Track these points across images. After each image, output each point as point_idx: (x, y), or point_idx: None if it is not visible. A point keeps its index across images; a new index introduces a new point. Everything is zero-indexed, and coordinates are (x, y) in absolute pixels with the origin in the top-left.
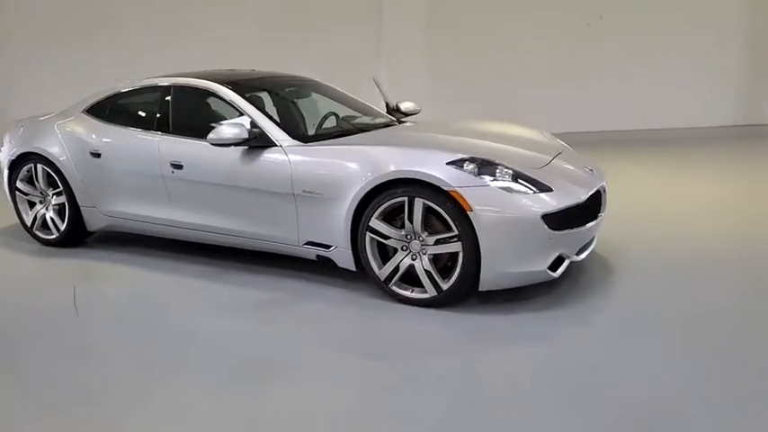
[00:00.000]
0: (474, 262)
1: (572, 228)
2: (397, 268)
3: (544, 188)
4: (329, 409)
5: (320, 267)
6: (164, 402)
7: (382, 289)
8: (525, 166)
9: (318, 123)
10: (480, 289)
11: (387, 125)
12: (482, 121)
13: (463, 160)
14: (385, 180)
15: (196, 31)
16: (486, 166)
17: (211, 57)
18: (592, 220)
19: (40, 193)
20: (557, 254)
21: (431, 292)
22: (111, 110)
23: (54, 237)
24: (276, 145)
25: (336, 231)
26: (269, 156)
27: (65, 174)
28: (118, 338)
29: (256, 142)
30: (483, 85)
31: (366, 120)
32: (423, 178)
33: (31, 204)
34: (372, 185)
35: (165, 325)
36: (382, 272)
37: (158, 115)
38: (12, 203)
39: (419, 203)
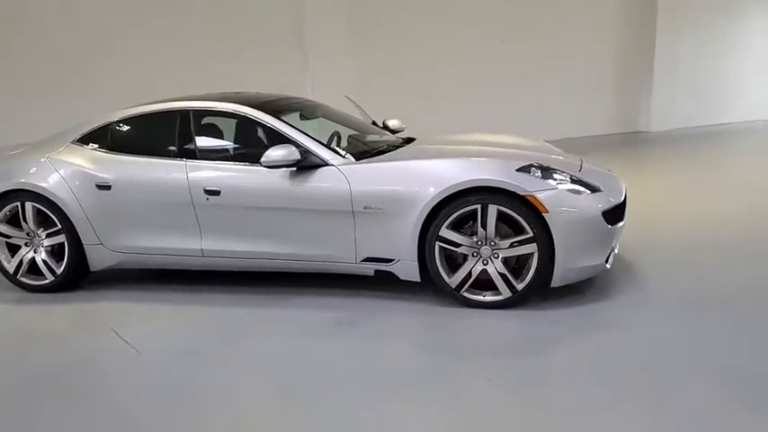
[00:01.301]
0: (547, 261)
1: (618, 223)
2: (469, 274)
3: (595, 189)
4: (468, 413)
5: (367, 282)
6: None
7: (452, 296)
8: (570, 170)
9: (329, 142)
10: (552, 285)
11: (406, 142)
12: (485, 134)
13: (530, 166)
14: (458, 190)
15: (121, 58)
16: (546, 171)
17: (144, 83)
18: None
19: (27, 234)
20: (611, 247)
21: (505, 293)
22: (115, 139)
23: (48, 281)
24: (327, 164)
25: (400, 244)
26: (323, 175)
27: (65, 210)
28: (204, 373)
29: (307, 162)
30: (407, 100)
31: (376, 138)
32: (500, 185)
33: (12, 248)
34: (444, 196)
35: (245, 355)
36: (453, 280)
37: (180, 141)
38: None
39: (493, 210)
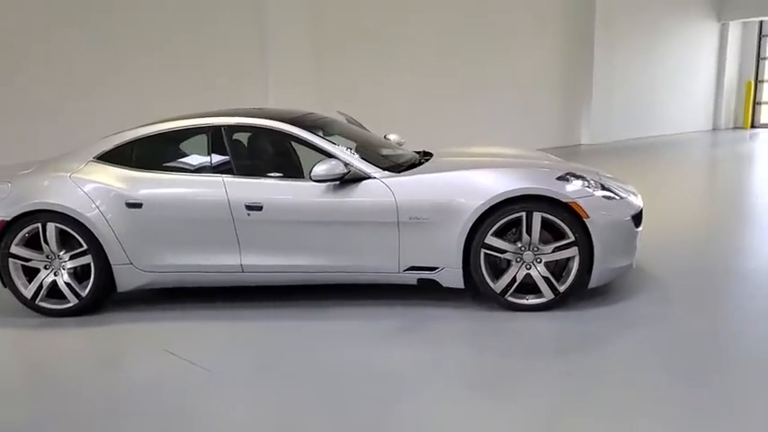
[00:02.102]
0: (586, 263)
1: (640, 226)
2: (514, 279)
3: (620, 195)
4: (561, 403)
5: (399, 291)
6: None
7: (496, 301)
8: (596, 178)
9: None
10: (589, 287)
11: (423, 155)
12: (494, 147)
13: (567, 175)
14: (504, 198)
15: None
16: (582, 179)
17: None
18: None
19: (47, 257)
20: (636, 248)
21: (548, 295)
22: (141, 156)
23: (71, 305)
24: (370, 177)
25: (446, 252)
26: (366, 188)
27: (92, 230)
28: (288, 385)
29: (351, 176)
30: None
31: (392, 152)
32: (544, 193)
33: (29, 271)
34: (491, 204)
35: (317, 366)
36: (498, 285)
37: (214, 157)
38: None
39: (538, 217)
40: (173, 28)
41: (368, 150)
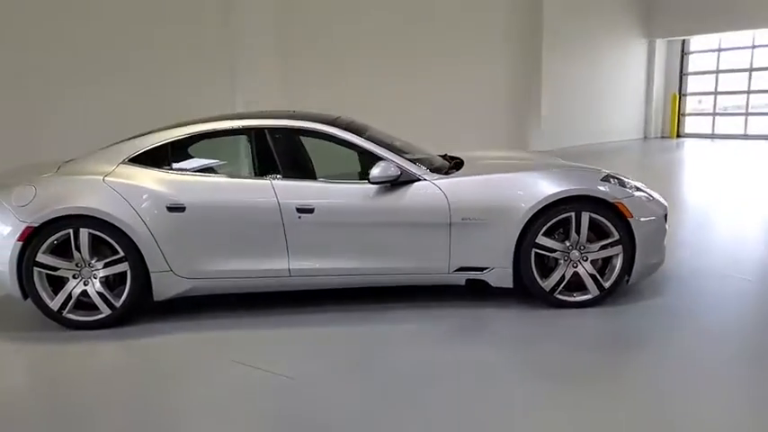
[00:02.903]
0: (629, 261)
1: (667, 224)
2: (563, 277)
3: (652, 195)
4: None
5: (440, 292)
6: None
7: (545, 299)
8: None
9: None
10: (630, 282)
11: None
12: (514, 150)
13: (609, 177)
14: (555, 199)
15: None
16: (620, 181)
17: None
18: None
19: (76, 265)
20: (665, 246)
21: (594, 292)
22: (180, 158)
23: (103, 316)
24: (420, 179)
25: (497, 253)
26: (418, 190)
27: (131, 236)
28: (379, 386)
29: (404, 178)
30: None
31: (424, 155)
32: (593, 194)
33: (54, 281)
34: (543, 205)
35: (401, 368)
36: (547, 283)
37: (259, 160)
38: (20, 285)
39: (586, 216)
40: (132, 28)
41: (406, 153)
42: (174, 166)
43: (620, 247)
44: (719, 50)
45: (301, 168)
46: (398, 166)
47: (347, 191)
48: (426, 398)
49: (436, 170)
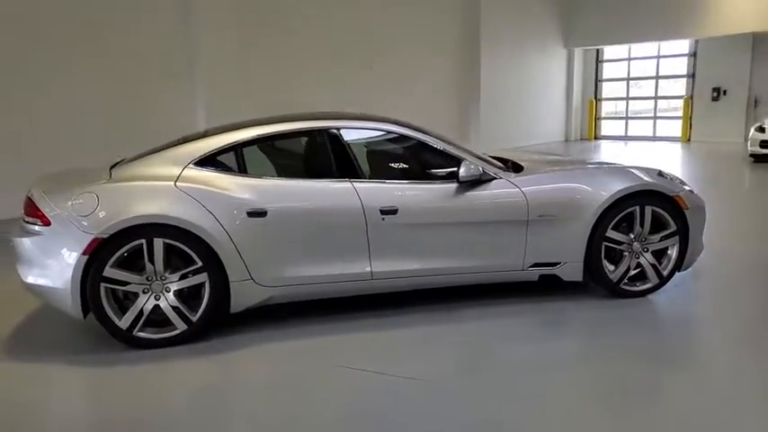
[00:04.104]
0: (682, 250)
1: None
2: (628, 268)
3: (692, 189)
4: None
5: (502, 289)
6: None
7: (612, 290)
8: None
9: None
10: (682, 270)
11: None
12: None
13: (660, 172)
14: (625, 194)
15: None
16: (669, 175)
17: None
18: None
19: (147, 279)
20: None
21: (654, 281)
22: (252, 160)
23: (178, 332)
24: (497, 177)
25: (569, 247)
26: (497, 188)
27: (212, 244)
28: (509, 381)
29: (485, 177)
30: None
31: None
32: (656, 189)
33: (118, 298)
34: (614, 199)
35: (519, 362)
36: (615, 275)
37: (337, 161)
38: (81, 303)
39: (649, 210)
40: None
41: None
42: (248, 169)
43: (677, 237)
44: (629, 59)
45: (380, 169)
46: (478, 166)
47: (429, 191)
48: (545, 391)
49: (506, 169)
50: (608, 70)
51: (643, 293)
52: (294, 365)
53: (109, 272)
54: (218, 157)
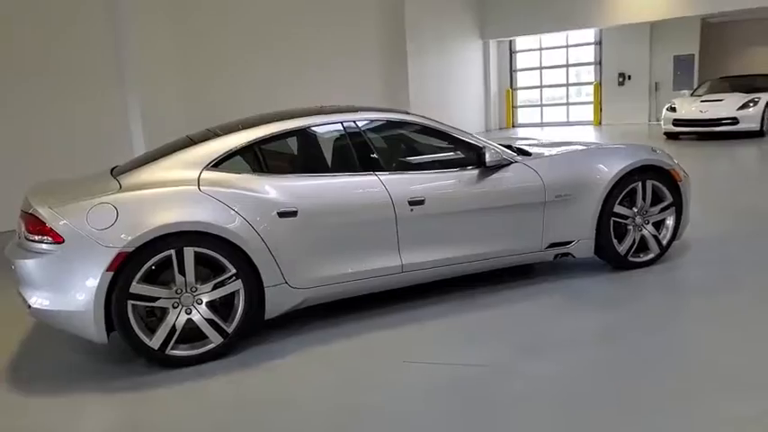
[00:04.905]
0: (678, 220)
1: None
2: (633, 241)
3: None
4: None
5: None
6: None
7: (619, 263)
8: None
9: None
10: (676, 240)
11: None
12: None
13: (653, 148)
14: (632, 169)
15: None
16: (659, 150)
17: None
18: None
19: (176, 292)
20: None
21: (655, 251)
22: (272, 158)
23: (213, 346)
24: (513, 161)
25: (582, 225)
26: (514, 172)
27: (246, 249)
28: (567, 363)
29: (504, 161)
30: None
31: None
32: (656, 164)
33: (140, 316)
34: (621, 175)
35: (567, 337)
36: (622, 248)
37: (359, 154)
38: (104, 323)
39: (650, 184)
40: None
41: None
42: (269, 167)
43: (674, 208)
44: (541, 49)
45: (401, 160)
46: (497, 151)
47: (452, 179)
48: (610, 360)
49: (517, 153)
50: (522, 60)
51: (647, 263)
52: (358, 365)
53: (136, 288)
54: (237, 157)
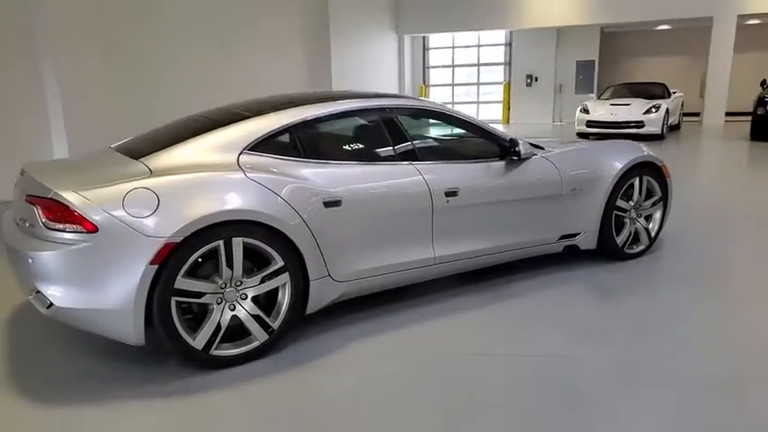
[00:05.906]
0: (664, 214)
1: None
2: (630, 233)
3: None
4: None
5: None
6: None
7: (617, 254)
8: None
9: None
10: (660, 232)
11: None
12: None
13: (642, 146)
14: (633, 164)
15: None
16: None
17: None
18: None
19: (221, 287)
20: None
21: (645, 242)
22: (310, 144)
23: (258, 344)
24: (535, 155)
25: (588, 218)
26: (537, 165)
27: (295, 240)
28: (613, 346)
29: (527, 155)
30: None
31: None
32: (652, 160)
33: (195, 317)
34: (625, 169)
35: (612, 322)
36: (620, 240)
37: (395, 143)
38: (143, 320)
39: (645, 179)
40: None
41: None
42: (307, 153)
43: (662, 203)
44: (453, 47)
45: (433, 149)
46: (528, 144)
47: (482, 170)
48: (650, 343)
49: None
50: (435, 58)
51: (639, 254)
52: (420, 359)
53: (181, 283)
54: (274, 141)
